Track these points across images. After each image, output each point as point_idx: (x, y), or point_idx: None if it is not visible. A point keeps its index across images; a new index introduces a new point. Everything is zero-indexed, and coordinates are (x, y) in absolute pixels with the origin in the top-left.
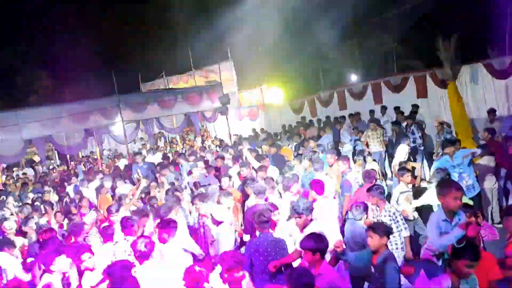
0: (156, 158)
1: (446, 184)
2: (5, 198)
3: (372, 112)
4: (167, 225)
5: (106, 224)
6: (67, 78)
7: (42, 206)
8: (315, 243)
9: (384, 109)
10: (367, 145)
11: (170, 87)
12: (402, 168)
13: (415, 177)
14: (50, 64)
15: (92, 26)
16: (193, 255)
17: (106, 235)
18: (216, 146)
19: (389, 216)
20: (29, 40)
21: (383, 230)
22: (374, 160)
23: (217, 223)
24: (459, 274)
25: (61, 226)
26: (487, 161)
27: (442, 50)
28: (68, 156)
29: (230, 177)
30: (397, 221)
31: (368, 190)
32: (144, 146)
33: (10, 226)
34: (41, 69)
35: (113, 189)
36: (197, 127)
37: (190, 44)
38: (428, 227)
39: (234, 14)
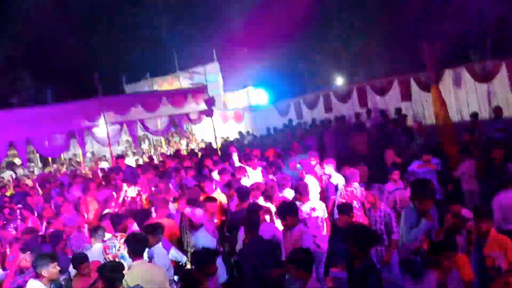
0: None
1: (418, 186)
2: None
3: (357, 115)
4: (153, 230)
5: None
6: (49, 78)
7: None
8: (301, 258)
9: (369, 112)
10: None
11: (155, 89)
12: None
13: None
14: (32, 65)
15: (76, 26)
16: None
17: (96, 236)
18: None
19: (384, 216)
20: (11, 40)
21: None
22: None
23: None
24: (441, 269)
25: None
26: (468, 164)
27: (426, 54)
28: (50, 159)
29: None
30: (391, 223)
31: (367, 188)
32: (128, 148)
33: None
34: (22, 69)
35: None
36: (182, 129)
37: (175, 45)
38: (401, 224)
39: (220, 15)
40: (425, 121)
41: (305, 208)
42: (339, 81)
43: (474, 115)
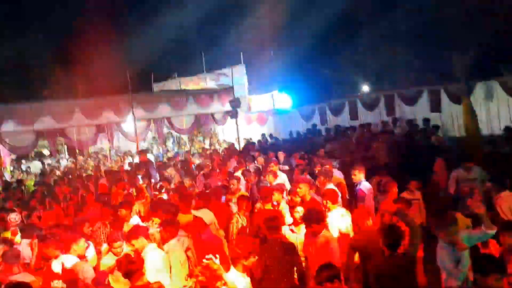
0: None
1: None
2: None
3: (384, 123)
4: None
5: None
6: (81, 73)
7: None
8: (329, 272)
9: (395, 120)
10: None
11: (181, 88)
12: None
13: None
14: (65, 60)
15: (109, 24)
16: None
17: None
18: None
19: None
20: (45, 35)
21: None
22: None
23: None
24: None
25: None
26: None
27: (458, 65)
28: (77, 150)
29: (238, 179)
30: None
31: (395, 201)
32: (153, 144)
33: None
34: (56, 63)
35: None
36: (207, 129)
37: (203, 46)
38: (442, 263)
39: (249, 19)
40: (454, 133)
41: (332, 214)
42: (365, 88)
43: (508, 129)
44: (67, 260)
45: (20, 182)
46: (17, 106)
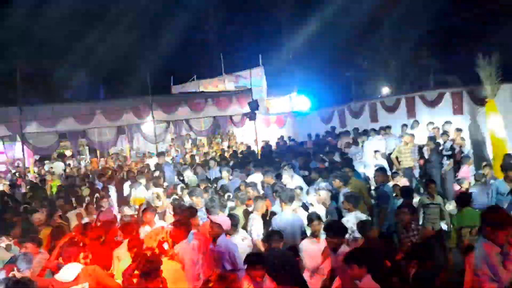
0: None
1: (498, 217)
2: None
3: (405, 126)
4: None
5: None
6: (102, 76)
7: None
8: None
9: (416, 123)
10: (398, 160)
11: (200, 90)
12: None
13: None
14: (87, 62)
15: (128, 27)
16: None
17: None
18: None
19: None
20: (67, 38)
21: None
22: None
23: None
24: None
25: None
26: None
27: (482, 67)
28: (98, 152)
29: (255, 184)
30: None
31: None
32: (171, 146)
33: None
34: (77, 66)
35: None
36: (225, 131)
37: (222, 49)
38: (483, 263)
39: (268, 21)
40: (477, 136)
41: (350, 217)
42: (385, 90)
43: None
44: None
45: (43, 181)
46: (40, 108)
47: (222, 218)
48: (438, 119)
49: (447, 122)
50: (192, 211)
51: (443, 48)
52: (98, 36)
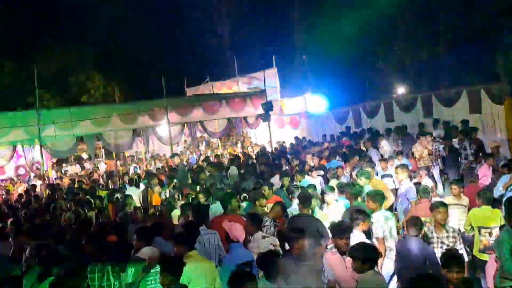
0: None
1: None
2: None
3: (421, 125)
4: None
5: None
6: (117, 79)
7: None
8: (365, 253)
9: (436, 122)
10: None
11: (214, 92)
12: None
13: None
14: (102, 66)
15: (142, 31)
16: None
17: None
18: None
19: (453, 237)
20: (83, 43)
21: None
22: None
23: None
24: None
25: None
26: None
27: (500, 65)
28: (114, 154)
29: (272, 185)
30: (461, 243)
31: (432, 208)
32: (186, 148)
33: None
34: (93, 69)
35: None
36: (239, 132)
37: (236, 50)
38: (499, 251)
39: (280, 22)
40: (495, 134)
41: (377, 216)
42: (401, 89)
43: None
44: None
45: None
46: (57, 111)
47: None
48: (455, 118)
49: (464, 121)
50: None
51: (460, 46)
52: (113, 40)
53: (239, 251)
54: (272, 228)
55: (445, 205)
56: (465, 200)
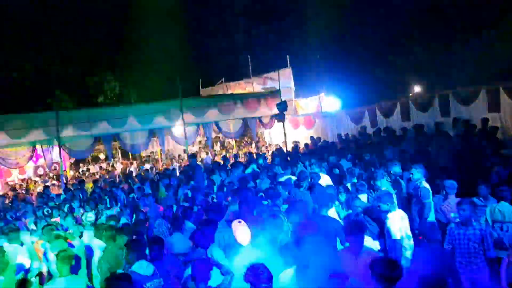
0: None
1: None
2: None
3: (439, 124)
4: None
5: None
6: (133, 80)
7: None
8: (386, 270)
9: (456, 121)
10: None
11: (228, 93)
12: None
13: None
14: (118, 67)
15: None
16: None
17: None
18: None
19: (481, 234)
20: (98, 45)
21: None
22: None
23: None
24: None
25: None
26: None
27: None
28: (130, 154)
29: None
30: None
31: (459, 203)
32: (201, 149)
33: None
34: (109, 71)
35: None
36: (254, 132)
37: (250, 51)
38: None
39: (295, 21)
40: None
41: (393, 216)
42: (417, 88)
43: None
44: None
45: (83, 183)
46: (75, 112)
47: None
48: (473, 117)
49: (483, 120)
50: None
51: (478, 43)
52: (129, 41)
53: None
54: None
55: None
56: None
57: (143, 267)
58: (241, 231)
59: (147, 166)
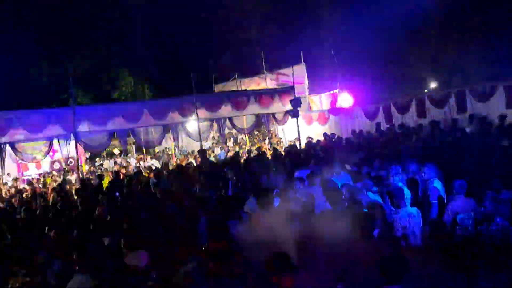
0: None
1: None
2: None
3: (454, 121)
4: None
5: None
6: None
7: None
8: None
9: (471, 118)
10: None
11: (242, 89)
12: None
13: None
14: (132, 64)
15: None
16: None
17: None
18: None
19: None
20: (114, 41)
21: None
22: None
23: None
24: None
25: None
26: None
27: None
28: (144, 150)
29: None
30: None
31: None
32: (215, 144)
33: None
34: (123, 66)
35: None
36: (267, 129)
37: (264, 47)
38: None
39: (308, 18)
40: None
41: (402, 214)
42: (433, 84)
43: None
44: None
45: (101, 177)
46: (91, 108)
47: None
48: (491, 114)
49: (501, 116)
50: None
51: (495, 38)
52: (143, 37)
53: None
54: None
55: None
56: None
57: None
58: None
59: (155, 162)
